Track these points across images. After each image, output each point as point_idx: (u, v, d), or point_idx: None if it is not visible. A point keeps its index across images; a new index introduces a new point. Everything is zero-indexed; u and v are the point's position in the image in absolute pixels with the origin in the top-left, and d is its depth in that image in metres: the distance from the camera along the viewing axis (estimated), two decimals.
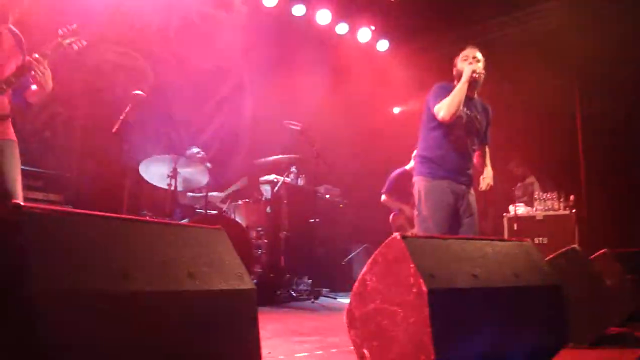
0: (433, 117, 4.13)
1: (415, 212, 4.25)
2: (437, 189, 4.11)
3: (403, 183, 6.72)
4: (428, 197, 4.11)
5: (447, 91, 4.11)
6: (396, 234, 2.29)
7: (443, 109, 4.03)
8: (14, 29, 3.31)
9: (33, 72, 3.18)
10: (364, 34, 8.85)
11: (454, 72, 4.27)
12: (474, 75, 4.08)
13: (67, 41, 3.36)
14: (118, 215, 1.97)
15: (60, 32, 3.36)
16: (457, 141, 4.16)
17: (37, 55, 3.19)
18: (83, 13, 5.27)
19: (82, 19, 4.49)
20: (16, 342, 1.58)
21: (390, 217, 6.78)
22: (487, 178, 4.23)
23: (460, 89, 4.05)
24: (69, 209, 4.68)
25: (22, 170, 3.33)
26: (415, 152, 6.70)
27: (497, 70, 4.45)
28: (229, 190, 6.62)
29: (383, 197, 6.75)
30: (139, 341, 1.77)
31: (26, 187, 3.34)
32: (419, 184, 4.20)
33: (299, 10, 8.13)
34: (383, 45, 9.11)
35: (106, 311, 1.71)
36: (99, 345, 1.67)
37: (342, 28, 8.65)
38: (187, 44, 7.06)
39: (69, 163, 5.96)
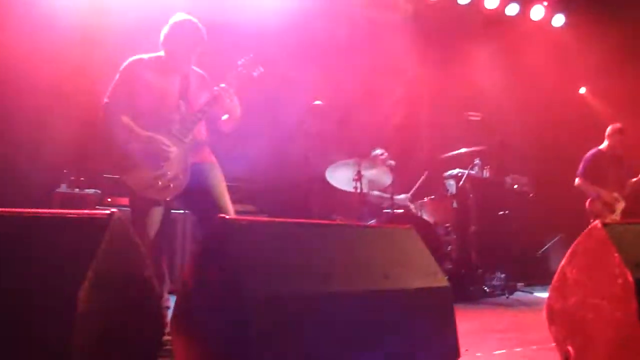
0: None
1: None
2: None
3: (599, 165, 6.25)
4: None
5: None
6: (596, 222, 2.16)
7: None
8: (196, 68, 3.63)
9: (223, 101, 3.44)
10: (537, 11, 8.36)
11: None
12: None
13: (247, 70, 3.61)
14: (314, 221, 2.10)
15: (239, 62, 3.62)
16: None
17: (223, 85, 3.47)
18: (254, 36, 5.65)
19: (255, 41, 4.82)
20: (231, 345, 1.75)
21: (587, 203, 6.32)
22: None
23: None
24: (268, 218, 5.01)
25: None
26: (609, 130, 6.25)
27: None
28: (413, 190, 6.65)
29: (577, 180, 6.29)
30: (341, 340, 1.86)
31: None
32: None
33: None
34: (559, 20, 8.54)
35: (309, 312, 1.82)
36: (304, 345, 1.79)
37: (512, 9, 8.22)
38: (358, 49, 7.23)
39: (257, 174, 6.39)
